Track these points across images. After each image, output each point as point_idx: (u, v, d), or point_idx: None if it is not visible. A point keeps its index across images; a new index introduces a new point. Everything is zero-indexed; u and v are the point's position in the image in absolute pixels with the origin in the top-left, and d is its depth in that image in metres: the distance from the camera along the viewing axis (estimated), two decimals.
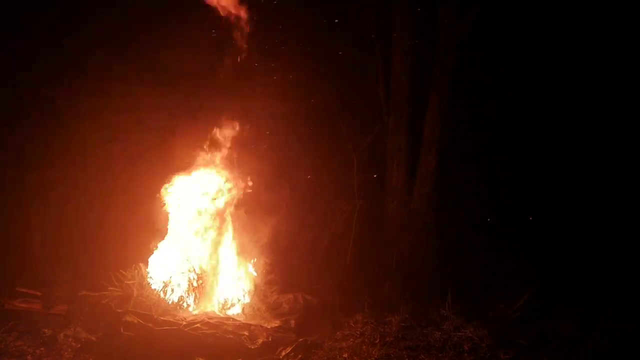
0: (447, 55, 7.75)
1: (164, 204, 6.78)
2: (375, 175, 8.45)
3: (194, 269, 6.53)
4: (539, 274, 7.35)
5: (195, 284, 6.45)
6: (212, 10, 7.27)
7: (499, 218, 8.18)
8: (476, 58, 7.87)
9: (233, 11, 7.26)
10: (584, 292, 7.17)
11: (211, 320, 5.78)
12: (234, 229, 7.02)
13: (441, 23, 7.74)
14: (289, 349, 5.59)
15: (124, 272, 6.35)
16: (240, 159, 7.20)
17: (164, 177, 6.85)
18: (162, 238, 6.71)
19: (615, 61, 7.98)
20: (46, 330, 5.74)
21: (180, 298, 6.36)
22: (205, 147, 7.14)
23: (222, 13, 7.25)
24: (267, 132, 7.76)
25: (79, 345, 5.57)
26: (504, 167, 8.19)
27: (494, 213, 8.19)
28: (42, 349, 5.44)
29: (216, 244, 6.92)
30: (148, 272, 6.40)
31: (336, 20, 8.18)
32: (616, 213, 8.07)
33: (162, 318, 5.80)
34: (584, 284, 7.34)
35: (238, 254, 6.96)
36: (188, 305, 6.37)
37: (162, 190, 6.78)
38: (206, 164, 7.09)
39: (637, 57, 7.84)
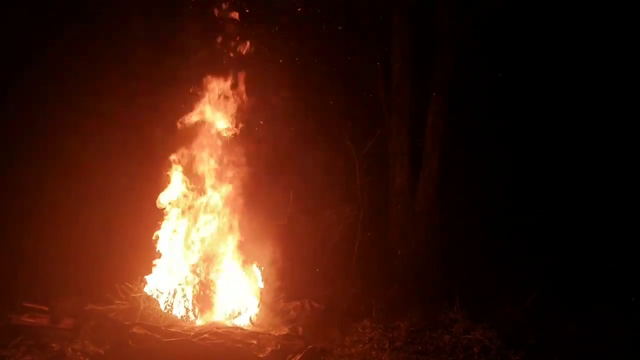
0: (447, 56, 7.75)
1: (165, 216, 6.77)
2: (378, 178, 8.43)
3: (200, 279, 6.51)
4: (544, 274, 7.35)
5: (201, 294, 6.43)
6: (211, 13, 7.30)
7: (503, 218, 8.17)
8: (477, 58, 7.86)
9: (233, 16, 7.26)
10: (588, 291, 7.17)
11: (219, 330, 5.75)
12: (239, 237, 6.99)
13: (440, 24, 7.73)
14: (298, 357, 5.55)
15: (130, 285, 6.33)
16: (242, 166, 7.17)
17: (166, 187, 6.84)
18: (168, 250, 6.69)
19: (615, 61, 7.97)
20: (54, 345, 5.69)
21: (187, 309, 6.34)
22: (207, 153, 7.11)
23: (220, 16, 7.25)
24: (269, 137, 7.74)
25: (87, 359, 5.54)
26: (508, 167, 8.19)
27: (498, 213, 8.18)
28: None
29: (221, 253, 6.90)
30: (154, 284, 6.38)
31: (337, 24, 8.18)
32: (619, 213, 8.06)
33: (169, 329, 5.77)
34: (588, 284, 7.34)
35: (243, 262, 6.93)
36: (195, 316, 6.35)
37: (165, 201, 6.77)
38: (208, 172, 7.07)
39: (638, 57, 7.83)
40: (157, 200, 6.71)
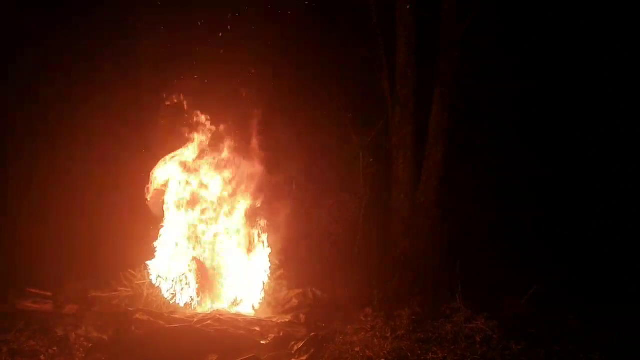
0: (451, 48, 7.69)
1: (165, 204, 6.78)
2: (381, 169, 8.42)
3: (203, 267, 6.54)
4: (546, 266, 7.36)
5: (204, 282, 6.45)
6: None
7: (506, 209, 8.17)
8: (481, 50, 7.82)
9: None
10: (589, 284, 7.17)
11: (222, 317, 5.79)
12: (242, 227, 7.00)
13: (445, 15, 7.68)
14: (300, 344, 5.57)
15: (133, 272, 6.36)
16: (245, 156, 7.17)
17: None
18: (171, 238, 6.71)
19: (622, 59, 7.94)
20: (58, 330, 5.73)
21: (191, 296, 6.38)
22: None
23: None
24: (271, 128, 7.73)
25: (90, 345, 5.56)
26: (511, 159, 8.17)
27: (500, 204, 8.17)
28: (54, 348, 5.42)
29: (224, 242, 6.92)
30: (158, 272, 6.40)
31: (341, 14, 8.14)
32: (624, 207, 8.04)
33: (173, 316, 5.81)
34: (590, 277, 7.35)
35: (247, 251, 6.95)
36: (198, 303, 6.39)
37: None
38: (211, 160, 7.07)
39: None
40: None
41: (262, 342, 5.60)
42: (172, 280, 6.38)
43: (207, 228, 6.88)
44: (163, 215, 6.75)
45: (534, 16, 7.82)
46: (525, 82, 8.04)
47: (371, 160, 8.57)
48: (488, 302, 6.50)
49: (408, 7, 7.79)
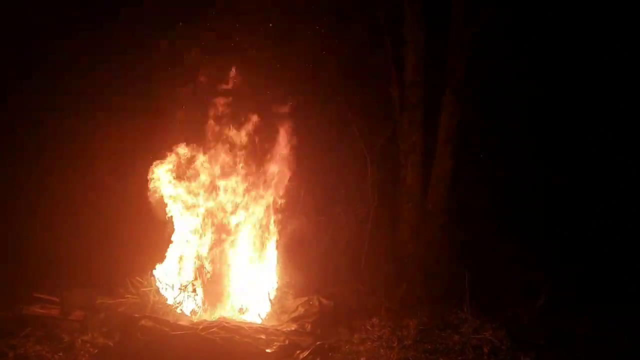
0: (461, 53, 7.65)
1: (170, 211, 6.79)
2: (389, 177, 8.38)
3: (210, 274, 6.53)
4: (555, 274, 7.29)
5: (211, 289, 6.45)
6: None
7: (514, 218, 8.10)
8: (490, 56, 7.77)
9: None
10: (598, 292, 7.10)
11: (228, 325, 5.77)
12: (249, 234, 6.99)
13: (454, 19, 7.64)
14: (306, 353, 5.56)
15: (140, 280, 6.37)
16: (251, 162, 7.17)
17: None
18: (178, 245, 6.71)
19: (622, 60, 7.87)
20: (64, 336, 5.77)
21: (196, 303, 6.36)
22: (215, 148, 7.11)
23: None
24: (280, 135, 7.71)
25: (96, 351, 5.59)
26: (520, 166, 8.11)
27: (509, 212, 8.11)
28: (60, 354, 5.47)
29: (230, 249, 6.91)
30: (164, 279, 6.40)
31: (349, 20, 8.12)
32: (633, 211, 7.95)
33: (178, 323, 5.81)
34: (599, 284, 7.27)
35: (253, 258, 6.93)
36: (204, 310, 6.38)
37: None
38: (218, 167, 7.07)
39: None
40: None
41: (267, 350, 5.57)
42: (179, 288, 6.37)
43: (215, 235, 6.87)
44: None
45: (541, 19, 7.76)
46: (529, 85, 7.99)
47: (379, 166, 8.52)
48: (496, 311, 6.46)
49: (416, 14, 7.77)
